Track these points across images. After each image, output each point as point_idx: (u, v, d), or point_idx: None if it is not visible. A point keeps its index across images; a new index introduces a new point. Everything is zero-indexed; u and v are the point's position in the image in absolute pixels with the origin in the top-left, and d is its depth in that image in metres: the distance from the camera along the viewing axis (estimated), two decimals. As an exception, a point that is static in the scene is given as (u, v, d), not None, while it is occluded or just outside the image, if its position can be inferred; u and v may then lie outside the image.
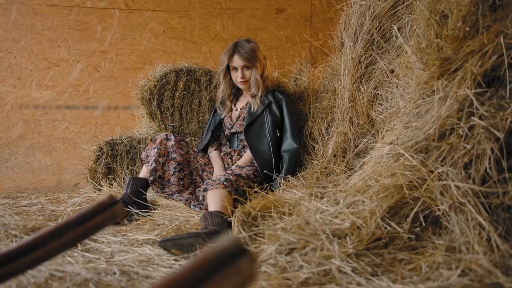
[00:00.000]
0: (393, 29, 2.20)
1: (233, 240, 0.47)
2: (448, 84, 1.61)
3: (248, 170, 2.17)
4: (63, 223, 0.89)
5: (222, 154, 2.46)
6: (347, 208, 1.48)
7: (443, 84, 1.63)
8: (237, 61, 2.34)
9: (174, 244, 1.41)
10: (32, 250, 0.86)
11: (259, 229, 1.46)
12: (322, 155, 2.33)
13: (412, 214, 1.36)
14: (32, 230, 1.63)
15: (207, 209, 1.91)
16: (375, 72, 2.23)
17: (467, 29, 1.57)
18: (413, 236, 1.31)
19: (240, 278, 0.45)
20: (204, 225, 1.58)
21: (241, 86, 2.42)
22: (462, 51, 1.57)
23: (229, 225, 1.63)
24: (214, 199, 1.80)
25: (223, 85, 2.46)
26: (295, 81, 3.05)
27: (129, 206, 1.98)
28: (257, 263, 0.51)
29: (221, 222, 1.60)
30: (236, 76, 2.38)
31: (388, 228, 1.33)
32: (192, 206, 2.06)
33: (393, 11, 2.20)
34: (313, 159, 2.36)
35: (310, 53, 3.48)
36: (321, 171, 2.25)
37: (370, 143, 2.24)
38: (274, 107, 2.37)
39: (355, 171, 2.14)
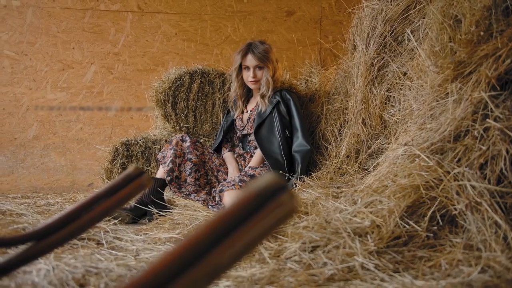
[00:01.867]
0: (405, 32, 2.25)
1: (273, 178, 0.51)
2: (462, 87, 1.66)
3: (261, 170, 2.21)
4: (94, 196, 0.93)
5: (235, 155, 2.51)
6: (365, 207, 1.53)
7: (457, 86, 1.67)
8: (250, 60, 2.38)
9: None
10: (69, 223, 0.90)
11: (282, 227, 1.51)
12: (335, 156, 2.38)
13: (429, 214, 1.40)
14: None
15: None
16: (387, 75, 2.27)
17: (482, 33, 1.61)
18: (431, 235, 1.35)
19: (282, 212, 0.50)
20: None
21: (251, 86, 2.46)
22: (476, 55, 1.61)
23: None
24: (231, 200, 1.85)
25: (235, 84, 2.50)
26: (306, 82, 3.10)
27: (148, 206, 2.03)
28: (296, 198, 0.56)
29: (241, 221, 1.64)
30: (248, 76, 2.42)
31: (407, 226, 1.37)
32: (210, 207, 2.11)
33: (405, 15, 2.25)
34: (326, 160, 2.41)
35: (320, 55, 3.53)
36: (334, 172, 2.29)
37: (383, 144, 2.28)
38: (282, 106, 2.41)
39: (369, 171, 2.19)
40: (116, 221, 1.94)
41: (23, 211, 2.08)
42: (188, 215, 1.99)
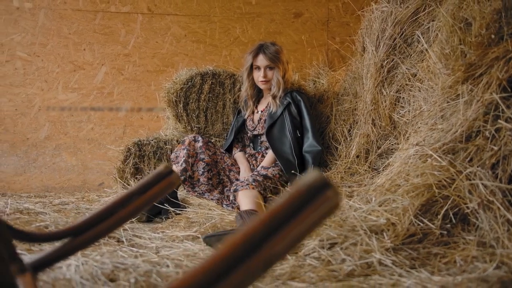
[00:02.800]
0: (414, 34, 2.29)
1: (319, 175, 0.55)
2: (473, 88, 1.69)
3: (273, 170, 2.25)
4: (127, 194, 0.97)
5: (246, 155, 2.55)
6: (379, 206, 1.57)
7: (468, 88, 1.71)
8: (261, 60, 2.43)
9: (218, 239, 1.50)
10: (104, 219, 0.94)
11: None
12: (345, 156, 2.42)
13: (442, 212, 1.44)
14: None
15: (239, 208, 2.00)
16: (397, 76, 2.31)
17: (493, 36, 1.65)
18: (445, 232, 1.39)
19: (328, 206, 0.53)
20: (242, 222, 1.67)
21: (261, 86, 2.50)
22: (487, 57, 1.65)
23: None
24: (246, 199, 1.89)
25: (246, 83, 2.54)
26: (314, 83, 3.14)
27: (165, 204, 2.07)
28: (340, 194, 0.60)
29: (258, 219, 1.69)
30: (258, 76, 2.46)
31: (421, 224, 1.41)
32: (224, 206, 2.15)
33: (415, 18, 2.29)
34: (336, 160, 2.45)
35: (327, 57, 3.57)
36: (345, 171, 2.34)
37: (392, 144, 2.32)
38: (292, 107, 2.45)
39: (379, 171, 2.23)
40: (132, 219, 1.98)
41: (41, 210, 2.13)
42: (203, 214, 2.03)
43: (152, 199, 1.01)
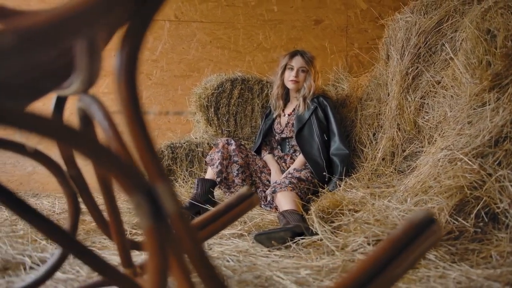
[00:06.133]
0: (438, 44, 2.42)
1: (426, 212, 0.68)
2: (499, 96, 1.83)
3: (306, 173, 2.38)
4: (213, 213, 1.11)
5: (275, 158, 2.68)
6: (415, 206, 1.70)
7: (494, 96, 1.84)
8: (297, 60, 2.56)
9: (267, 237, 1.63)
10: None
11: (339, 223, 1.69)
12: (371, 158, 2.55)
13: (475, 211, 1.57)
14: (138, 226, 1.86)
15: (277, 209, 2.13)
16: (421, 83, 2.44)
17: (519, 48, 1.78)
18: (478, 230, 1.52)
19: (434, 238, 0.67)
20: (286, 222, 1.80)
21: (290, 85, 2.62)
22: (513, 68, 1.78)
23: (304, 220, 1.85)
24: (285, 200, 2.02)
25: (277, 82, 2.66)
26: (335, 88, 3.27)
27: (207, 204, 2.21)
28: (441, 228, 0.74)
29: (299, 218, 1.82)
30: (289, 75, 2.59)
31: (456, 223, 1.54)
32: (262, 206, 2.29)
33: (438, 28, 2.42)
34: (363, 162, 2.58)
35: (347, 62, 3.70)
36: (372, 173, 2.47)
37: (417, 148, 2.45)
38: (319, 112, 2.57)
39: (405, 173, 2.36)
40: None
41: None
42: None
43: (235, 217, 1.15)
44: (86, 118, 0.72)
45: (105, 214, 0.99)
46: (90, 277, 1.26)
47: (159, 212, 0.51)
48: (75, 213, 1.03)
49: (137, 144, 0.54)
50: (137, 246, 1.10)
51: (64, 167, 0.98)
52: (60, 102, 0.90)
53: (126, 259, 0.97)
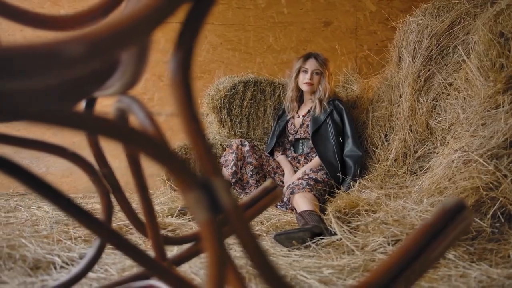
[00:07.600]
0: (450, 46, 2.45)
1: (457, 199, 0.72)
2: (513, 99, 1.86)
3: (322, 174, 2.41)
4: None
5: (289, 158, 2.72)
6: (431, 206, 1.73)
7: (508, 98, 1.87)
8: (311, 63, 2.60)
9: (287, 237, 1.66)
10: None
11: (357, 224, 1.72)
12: (384, 159, 2.58)
13: (491, 212, 1.60)
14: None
15: (293, 209, 2.17)
16: (433, 85, 2.47)
17: (533, 52, 1.81)
18: (495, 230, 1.56)
19: (465, 224, 0.70)
20: (305, 222, 1.83)
21: (305, 88, 2.66)
22: (527, 71, 1.81)
23: (322, 221, 1.89)
24: (303, 201, 2.05)
25: (292, 84, 2.70)
26: (346, 90, 3.30)
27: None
28: (473, 214, 0.77)
29: (318, 219, 1.86)
30: (304, 78, 2.63)
31: (473, 223, 1.58)
32: (278, 206, 2.32)
33: (450, 31, 2.45)
34: (375, 163, 2.61)
35: (356, 63, 3.73)
36: (384, 174, 2.50)
37: (429, 149, 2.48)
38: (335, 114, 2.61)
39: (417, 174, 2.39)
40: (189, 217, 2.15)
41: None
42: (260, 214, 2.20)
43: (258, 212, 1.17)
44: (123, 118, 0.75)
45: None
46: (120, 275, 1.30)
47: (217, 205, 0.54)
48: (108, 211, 1.06)
49: (195, 143, 0.57)
50: (170, 240, 1.13)
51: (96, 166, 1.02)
52: (91, 102, 0.94)
53: (160, 253, 1.00)
